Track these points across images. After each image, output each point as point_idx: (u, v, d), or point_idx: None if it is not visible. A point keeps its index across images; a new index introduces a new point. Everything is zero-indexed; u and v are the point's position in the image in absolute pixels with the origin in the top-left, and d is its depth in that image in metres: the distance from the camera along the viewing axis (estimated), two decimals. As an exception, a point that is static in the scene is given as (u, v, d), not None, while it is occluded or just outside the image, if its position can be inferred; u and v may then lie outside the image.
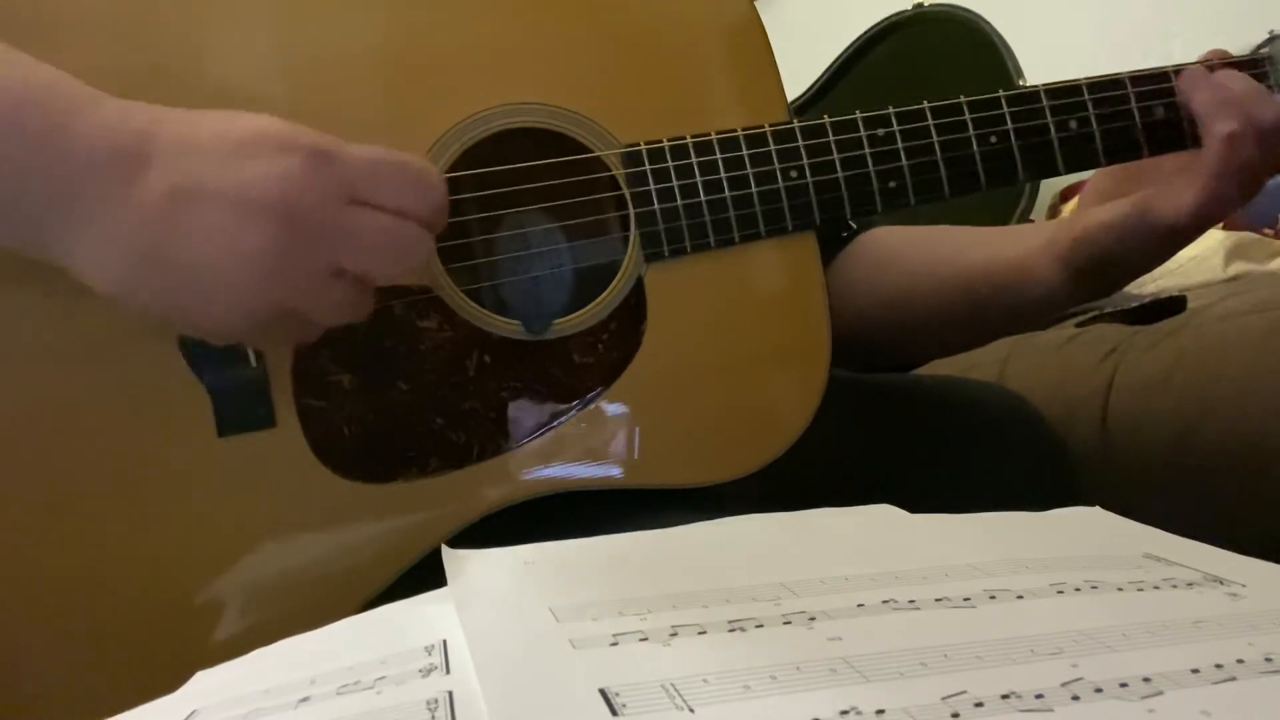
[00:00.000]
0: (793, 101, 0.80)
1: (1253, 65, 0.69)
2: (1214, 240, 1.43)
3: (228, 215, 0.48)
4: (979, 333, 0.82)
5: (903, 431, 0.78)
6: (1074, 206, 0.74)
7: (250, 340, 0.55)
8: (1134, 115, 0.66)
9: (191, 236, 0.48)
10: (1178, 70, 0.67)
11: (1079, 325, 1.19)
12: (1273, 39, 0.69)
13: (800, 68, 1.89)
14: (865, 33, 1.89)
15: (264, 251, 0.48)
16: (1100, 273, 0.69)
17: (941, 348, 0.85)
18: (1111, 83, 0.67)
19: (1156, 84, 0.67)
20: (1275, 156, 0.65)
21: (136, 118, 0.49)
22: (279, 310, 0.50)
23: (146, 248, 0.48)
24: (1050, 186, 1.70)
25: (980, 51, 1.74)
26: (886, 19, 1.87)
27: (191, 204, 0.48)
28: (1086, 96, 0.66)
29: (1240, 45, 0.70)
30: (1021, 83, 0.67)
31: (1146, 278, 1.38)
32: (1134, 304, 1.20)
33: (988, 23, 1.76)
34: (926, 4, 1.84)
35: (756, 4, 0.66)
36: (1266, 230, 1.61)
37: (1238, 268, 1.38)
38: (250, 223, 0.48)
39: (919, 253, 0.80)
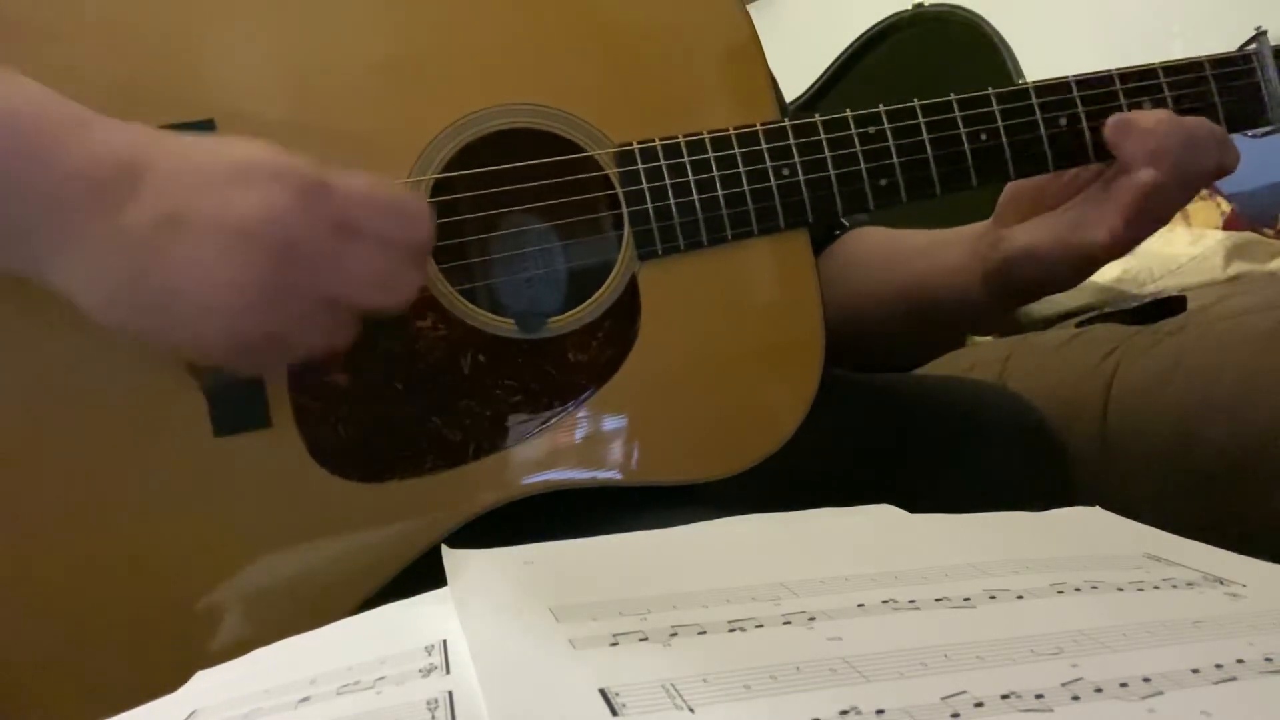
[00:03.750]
0: (793, 102, 0.80)
1: (1240, 61, 0.69)
2: (1214, 240, 1.43)
3: (216, 245, 0.48)
4: (919, 341, 0.84)
5: (902, 431, 0.78)
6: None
7: (233, 365, 0.55)
8: (1124, 111, 0.66)
9: (178, 265, 0.48)
10: (1165, 67, 0.67)
11: (1079, 325, 1.19)
12: (1259, 35, 0.70)
13: (800, 68, 1.89)
14: (865, 33, 1.88)
15: (251, 282, 0.48)
16: (1021, 291, 0.71)
17: (885, 354, 0.86)
18: (1100, 80, 0.67)
19: (1143, 80, 0.67)
20: (1193, 192, 0.66)
21: (125, 142, 0.49)
22: (263, 338, 0.50)
23: (132, 274, 0.48)
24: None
25: (980, 52, 1.74)
26: (886, 19, 1.87)
27: (179, 232, 0.47)
28: (1076, 94, 0.67)
29: (1240, 44, 0.70)
30: (1021, 83, 0.67)
31: (1146, 278, 1.38)
32: (1134, 304, 1.20)
33: (988, 23, 1.76)
34: (926, 4, 1.84)
35: (757, 4, 0.66)
36: (1266, 230, 1.62)
37: (1238, 268, 1.38)
38: (238, 253, 0.48)
39: (873, 260, 0.80)
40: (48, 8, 0.56)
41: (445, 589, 0.35)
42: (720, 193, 0.63)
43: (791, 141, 0.64)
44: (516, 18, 0.62)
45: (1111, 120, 0.65)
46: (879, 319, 0.79)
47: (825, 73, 1.91)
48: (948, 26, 1.81)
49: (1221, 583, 0.32)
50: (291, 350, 0.53)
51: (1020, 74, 1.69)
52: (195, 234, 0.48)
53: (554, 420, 0.61)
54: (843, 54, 1.90)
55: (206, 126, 0.57)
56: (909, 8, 1.87)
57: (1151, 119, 0.65)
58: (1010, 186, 0.71)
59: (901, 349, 0.83)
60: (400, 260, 0.52)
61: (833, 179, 0.64)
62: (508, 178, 0.61)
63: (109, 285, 0.48)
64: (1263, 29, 0.69)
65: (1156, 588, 0.32)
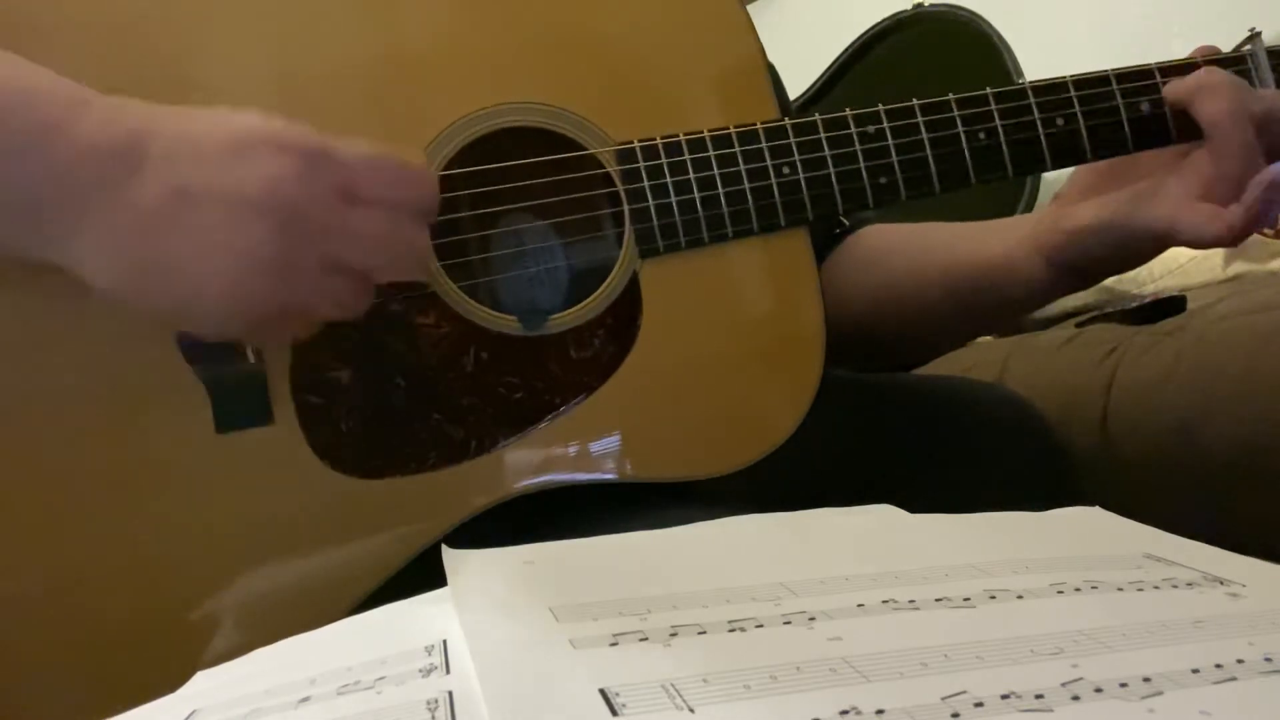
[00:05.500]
0: (793, 101, 0.80)
1: (1235, 62, 0.69)
2: (1214, 240, 1.43)
3: (224, 217, 0.48)
4: (964, 328, 0.82)
5: (903, 431, 0.78)
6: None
7: (248, 336, 0.55)
8: (1120, 112, 0.67)
9: (188, 238, 0.48)
10: (1161, 67, 0.67)
11: (1079, 325, 1.19)
12: (1254, 36, 0.69)
13: (800, 68, 1.89)
14: (865, 33, 1.88)
15: (261, 252, 0.48)
16: (1084, 270, 0.70)
17: (930, 345, 0.85)
18: (1097, 80, 0.67)
19: (1141, 80, 0.67)
20: (1272, 147, 0.64)
21: (127, 117, 0.49)
22: (276, 307, 0.50)
23: (144, 249, 0.48)
24: (1051, 184, 1.70)
25: (980, 51, 1.74)
26: (886, 19, 1.87)
27: (187, 205, 0.48)
28: (1073, 94, 0.67)
29: (1235, 46, 0.70)
30: (1021, 82, 0.67)
31: (1146, 278, 1.38)
32: (1134, 304, 1.20)
33: (988, 23, 1.76)
34: (926, 4, 1.84)
35: (757, 4, 0.66)
36: (1266, 230, 1.61)
37: (1238, 268, 1.38)
38: (247, 224, 0.48)
39: (907, 249, 0.80)
40: (39, 9, 0.56)
41: (445, 589, 0.35)
42: (721, 190, 0.63)
43: (791, 140, 0.64)
44: (518, 17, 0.62)
45: (1173, 82, 0.65)
46: (915, 306, 0.78)
47: (825, 73, 1.91)
48: (948, 26, 1.81)
49: (1221, 583, 0.32)
50: (305, 318, 0.53)
51: (1020, 74, 1.69)
52: (200, 206, 0.48)
53: (556, 417, 0.61)
54: (843, 54, 1.90)
55: None
56: (909, 8, 1.87)
57: (1206, 70, 0.64)
58: (1076, 170, 0.70)
59: (940, 335, 0.82)
60: (406, 222, 0.52)
61: (833, 177, 0.64)
62: (510, 175, 0.61)
63: (119, 262, 0.49)
64: (1257, 30, 0.69)
65: (1156, 588, 0.32)
